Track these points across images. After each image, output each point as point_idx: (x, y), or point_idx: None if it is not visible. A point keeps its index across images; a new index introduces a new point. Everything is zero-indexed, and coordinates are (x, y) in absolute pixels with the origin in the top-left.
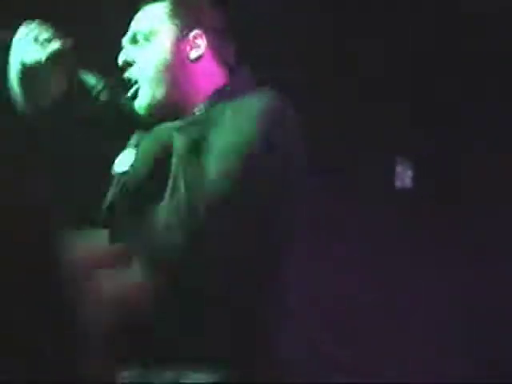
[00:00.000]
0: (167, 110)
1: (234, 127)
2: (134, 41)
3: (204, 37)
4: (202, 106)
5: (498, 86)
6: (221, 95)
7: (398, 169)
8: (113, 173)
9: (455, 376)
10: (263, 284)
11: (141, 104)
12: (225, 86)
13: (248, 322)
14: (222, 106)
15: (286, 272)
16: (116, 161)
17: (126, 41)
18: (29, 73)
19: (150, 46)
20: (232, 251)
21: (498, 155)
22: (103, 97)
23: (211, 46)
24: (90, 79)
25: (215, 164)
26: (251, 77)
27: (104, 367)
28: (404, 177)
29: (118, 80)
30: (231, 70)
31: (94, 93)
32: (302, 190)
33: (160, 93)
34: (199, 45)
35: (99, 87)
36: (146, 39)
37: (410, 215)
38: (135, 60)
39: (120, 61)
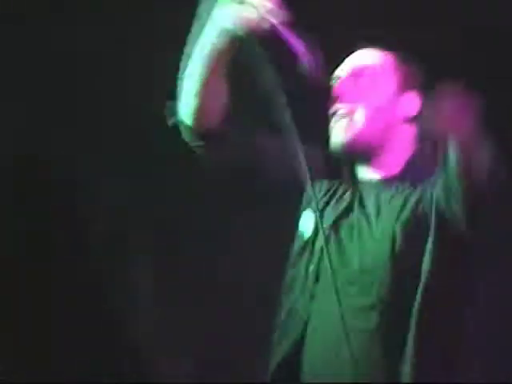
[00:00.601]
0: (360, 157)
1: None
2: (356, 80)
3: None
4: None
5: None
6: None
7: None
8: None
9: None
10: None
11: (341, 141)
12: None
13: None
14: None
15: None
16: (300, 223)
17: (342, 75)
18: None
19: (374, 91)
20: None
21: None
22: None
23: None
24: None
25: None
26: None
27: None
28: None
29: None
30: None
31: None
32: None
33: (366, 138)
34: (415, 104)
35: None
36: (372, 83)
37: None
38: (354, 98)
39: (336, 93)
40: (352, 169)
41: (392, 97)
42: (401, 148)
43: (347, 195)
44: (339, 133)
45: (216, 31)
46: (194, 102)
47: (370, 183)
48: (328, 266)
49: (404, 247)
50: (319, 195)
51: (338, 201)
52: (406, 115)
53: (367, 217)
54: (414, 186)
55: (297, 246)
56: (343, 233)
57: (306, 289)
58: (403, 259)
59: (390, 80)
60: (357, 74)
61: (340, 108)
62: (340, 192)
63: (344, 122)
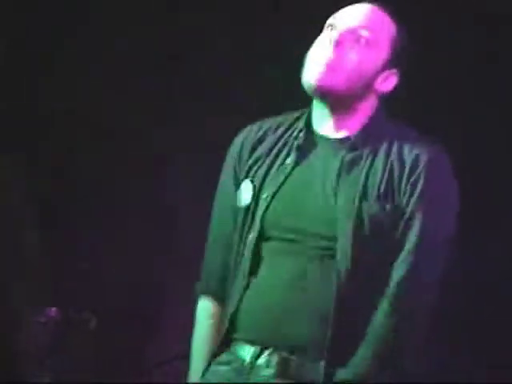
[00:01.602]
0: (333, 100)
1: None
2: (356, 38)
3: (396, 78)
4: (355, 139)
5: None
6: (373, 130)
7: None
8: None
9: None
10: None
11: (320, 84)
12: (376, 119)
13: None
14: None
15: None
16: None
17: (346, 29)
18: None
19: (365, 53)
20: None
21: None
22: None
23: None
24: None
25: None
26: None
27: None
28: None
29: None
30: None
31: None
32: None
33: (341, 88)
34: (390, 84)
35: None
36: (367, 46)
37: None
38: (346, 52)
39: (335, 42)
40: (309, 121)
41: (378, 65)
42: (365, 115)
43: (296, 145)
44: (324, 73)
45: None
46: None
47: (324, 138)
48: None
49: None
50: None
51: (285, 152)
52: (380, 90)
53: (320, 175)
54: (374, 153)
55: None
56: (291, 188)
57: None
58: (361, 231)
59: (384, 49)
60: (356, 30)
61: (329, 52)
62: (285, 142)
63: (327, 65)
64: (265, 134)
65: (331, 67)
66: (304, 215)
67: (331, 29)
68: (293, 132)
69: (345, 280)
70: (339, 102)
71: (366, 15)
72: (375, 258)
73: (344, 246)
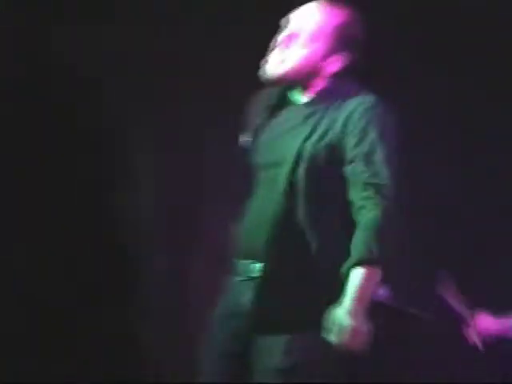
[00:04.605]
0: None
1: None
2: (296, 34)
3: (344, 59)
4: (313, 98)
5: None
6: (328, 90)
7: None
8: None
9: None
10: None
11: (271, 74)
12: (333, 82)
13: None
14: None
15: None
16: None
17: (289, 25)
18: None
19: (306, 49)
20: None
21: None
22: None
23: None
24: None
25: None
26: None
27: None
28: None
29: None
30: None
31: None
32: None
33: (289, 78)
34: (340, 64)
35: None
36: (306, 42)
37: None
38: (290, 48)
39: (279, 39)
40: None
41: (321, 55)
42: (321, 85)
43: (272, 109)
44: (273, 66)
45: None
46: None
47: (293, 104)
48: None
49: (308, 155)
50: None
51: (266, 114)
52: (329, 71)
53: (284, 127)
54: (327, 105)
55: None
56: (264, 136)
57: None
58: (305, 164)
59: (325, 42)
60: (296, 29)
61: (281, 48)
62: (267, 107)
63: (279, 58)
64: (263, 98)
65: (279, 64)
66: (272, 153)
67: (282, 29)
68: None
69: (283, 198)
70: (295, 83)
71: (310, 13)
72: (316, 186)
73: (286, 171)
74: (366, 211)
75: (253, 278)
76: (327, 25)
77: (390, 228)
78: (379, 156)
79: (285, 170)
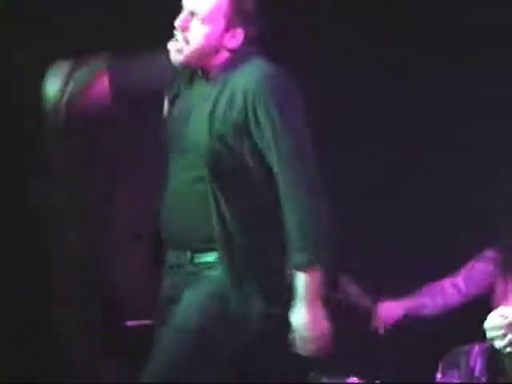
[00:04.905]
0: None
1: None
2: (194, 15)
3: (241, 34)
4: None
5: None
6: (230, 64)
7: None
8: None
9: None
10: None
11: (178, 59)
12: (234, 56)
13: None
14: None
15: None
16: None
17: (186, 8)
18: None
19: (205, 28)
20: None
21: None
22: None
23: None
24: None
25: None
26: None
27: None
28: None
29: None
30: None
31: None
32: None
33: (194, 59)
34: (237, 39)
35: None
36: (203, 21)
37: None
38: (190, 29)
39: (178, 23)
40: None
41: (219, 32)
42: (222, 62)
43: (182, 89)
44: (176, 53)
45: None
46: None
47: (200, 83)
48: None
49: (216, 133)
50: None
51: (176, 93)
52: (229, 46)
53: (192, 104)
54: (226, 79)
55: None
56: (181, 115)
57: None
58: (216, 143)
59: (221, 19)
60: (193, 10)
61: (179, 34)
62: (182, 88)
63: (180, 44)
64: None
65: (179, 49)
66: (184, 139)
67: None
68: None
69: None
70: (196, 65)
71: None
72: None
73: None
74: (293, 212)
75: (182, 266)
76: (222, 3)
77: (318, 227)
78: (287, 144)
79: (200, 155)
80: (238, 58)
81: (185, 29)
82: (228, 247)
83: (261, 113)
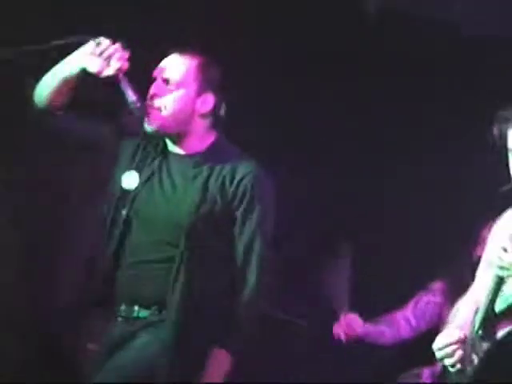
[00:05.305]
0: (169, 134)
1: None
2: (167, 82)
3: (210, 100)
4: (198, 157)
5: None
6: (212, 151)
7: None
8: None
9: None
10: None
11: (154, 126)
12: (215, 143)
13: None
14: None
15: None
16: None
17: (159, 77)
18: None
19: (178, 93)
20: None
21: None
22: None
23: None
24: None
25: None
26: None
27: None
28: None
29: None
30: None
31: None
32: None
33: (171, 125)
34: (208, 104)
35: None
36: (177, 87)
37: None
38: (164, 96)
39: (153, 91)
40: (164, 142)
41: (192, 96)
42: (199, 134)
43: (157, 161)
44: (150, 121)
45: (72, 65)
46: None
47: (176, 155)
48: (140, 210)
49: (202, 216)
50: (138, 158)
51: (150, 164)
52: (201, 111)
53: (173, 181)
54: (212, 167)
55: (116, 195)
56: (153, 189)
57: (117, 225)
58: (200, 223)
59: (192, 84)
60: (166, 77)
61: (152, 102)
62: (151, 157)
63: (153, 113)
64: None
65: (154, 117)
66: (157, 210)
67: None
68: (156, 149)
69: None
70: (173, 131)
71: (172, 64)
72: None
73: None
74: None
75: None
76: (191, 69)
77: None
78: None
79: (177, 232)
80: (220, 144)
81: (159, 95)
82: (177, 311)
83: (249, 204)
